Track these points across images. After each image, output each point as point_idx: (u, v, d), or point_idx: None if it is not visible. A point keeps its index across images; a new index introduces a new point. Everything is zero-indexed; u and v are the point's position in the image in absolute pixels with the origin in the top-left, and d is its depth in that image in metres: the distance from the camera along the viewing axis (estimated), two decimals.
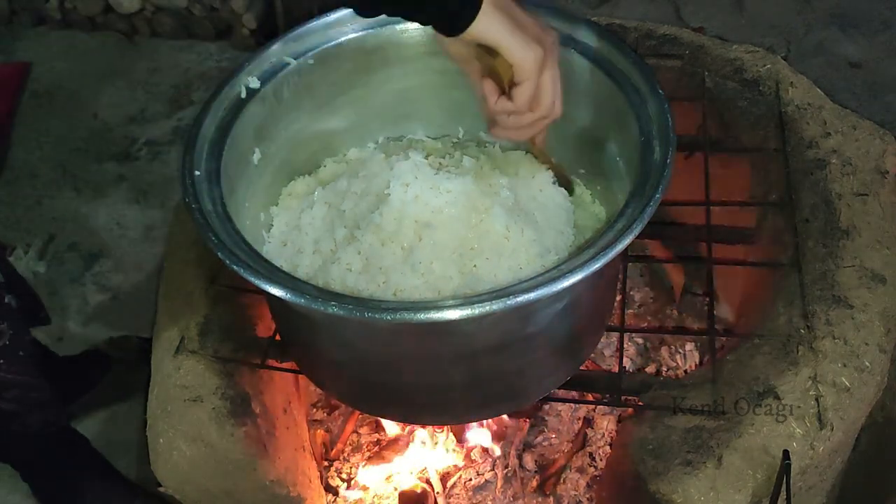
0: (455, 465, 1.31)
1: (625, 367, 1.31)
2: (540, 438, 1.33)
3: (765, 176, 1.16)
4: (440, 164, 0.94)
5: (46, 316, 1.43)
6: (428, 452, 1.33)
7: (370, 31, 0.96)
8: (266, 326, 1.14)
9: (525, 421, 1.33)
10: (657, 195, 0.73)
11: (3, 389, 1.20)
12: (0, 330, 1.19)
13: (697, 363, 1.37)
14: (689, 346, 1.39)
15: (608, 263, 0.69)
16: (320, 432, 1.38)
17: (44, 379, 1.27)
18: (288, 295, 0.68)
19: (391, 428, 1.35)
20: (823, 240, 1.04)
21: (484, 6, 0.70)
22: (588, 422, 1.33)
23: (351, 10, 0.94)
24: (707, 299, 1.05)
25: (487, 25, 0.71)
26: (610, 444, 1.30)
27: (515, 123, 0.79)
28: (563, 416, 1.35)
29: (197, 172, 0.80)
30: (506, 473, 1.29)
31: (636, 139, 0.80)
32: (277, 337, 1.06)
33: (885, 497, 1.17)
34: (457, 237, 0.83)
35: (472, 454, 1.32)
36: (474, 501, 1.28)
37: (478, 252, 0.82)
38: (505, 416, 1.31)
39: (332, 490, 1.32)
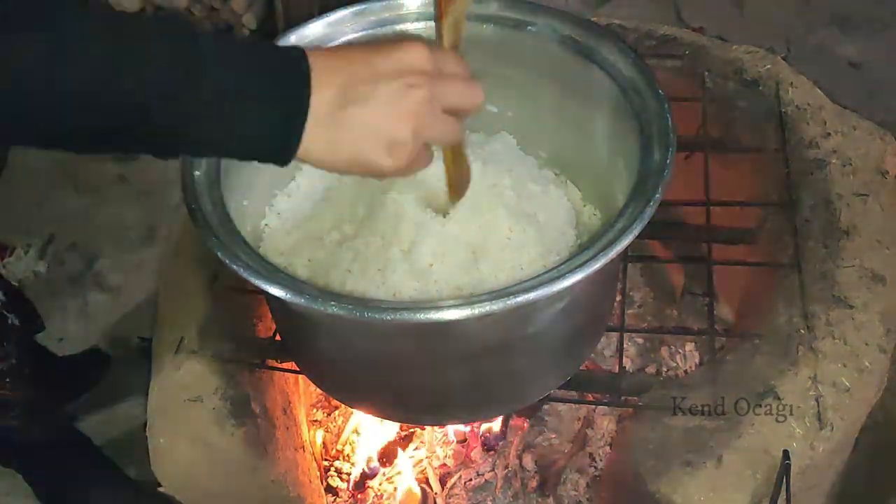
0: (455, 465, 1.31)
1: (625, 367, 1.30)
2: (540, 438, 1.33)
3: (765, 176, 1.16)
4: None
5: (41, 323, 1.43)
6: (428, 453, 1.33)
7: (370, 31, 0.96)
8: (266, 326, 1.14)
9: (525, 421, 1.33)
10: (657, 195, 0.73)
11: (8, 409, 1.21)
12: (6, 351, 1.19)
13: (697, 363, 1.37)
14: (689, 346, 1.39)
15: (608, 263, 0.69)
16: (320, 432, 1.38)
17: (45, 391, 1.27)
18: (288, 295, 0.68)
19: (391, 428, 1.35)
20: (823, 240, 1.04)
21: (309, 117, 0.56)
22: (588, 422, 1.33)
23: (351, 10, 0.94)
24: (707, 299, 1.04)
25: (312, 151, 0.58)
26: (610, 444, 1.30)
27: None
28: (563, 416, 1.34)
29: (197, 172, 0.79)
30: (506, 473, 1.29)
31: (636, 139, 0.80)
32: (277, 337, 1.06)
33: (885, 497, 1.17)
34: (458, 238, 0.83)
35: (472, 454, 1.32)
36: (474, 501, 1.28)
37: (480, 252, 0.82)
38: (505, 416, 1.31)
39: (332, 490, 1.32)
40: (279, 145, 0.58)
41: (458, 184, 0.81)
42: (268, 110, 0.56)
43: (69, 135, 0.54)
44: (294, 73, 0.57)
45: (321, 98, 0.57)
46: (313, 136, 0.57)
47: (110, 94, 0.51)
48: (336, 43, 0.95)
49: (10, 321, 1.23)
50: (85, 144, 0.56)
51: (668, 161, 0.76)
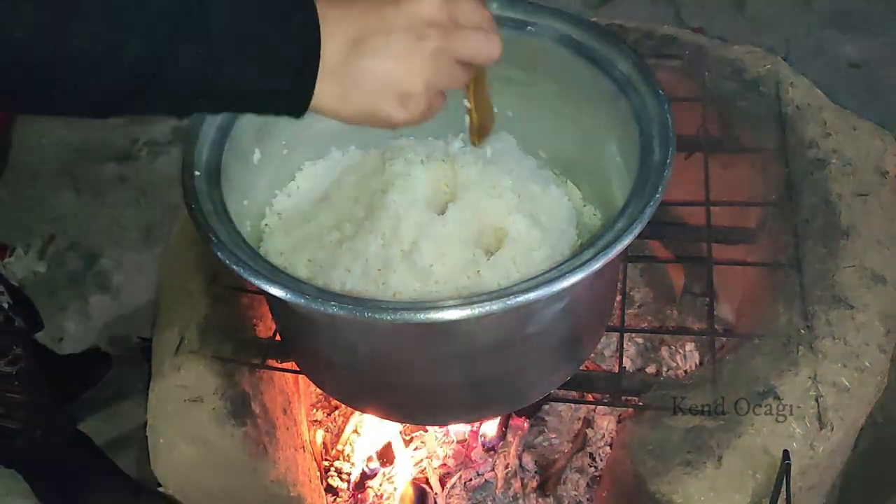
0: (455, 465, 1.31)
1: (625, 367, 1.31)
2: (540, 438, 1.33)
3: (765, 176, 1.16)
4: (441, 164, 0.94)
5: (41, 322, 1.44)
6: (427, 452, 1.33)
7: None
8: (266, 326, 1.14)
9: (525, 421, 1.33)
10: (657, 195, 0.73)
11: (14, 410, 1.21)
12: (16, 355, 1.19)
13: (697, 363, 1.37)
14: (689, 346, 1.39)
15: (608, 263, 0.69)
16: (320, 432, 1.38)
17: (49, 394, 1.27)
18: (288, 295, 0.68)
19: (391, 428, 1.35)
20: (823, 240, 1.04)
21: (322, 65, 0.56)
22: (588, 422, 1.33)
23: None
24: (707, 299, 1.05)
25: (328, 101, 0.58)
26: (610, 444, 1.30)
27: None
28: (563, 416, 1.34)
29: (197, 173, 0.79)
30: (506, 473, 1.29)
31: (636, 139, 0.80)
32: (277, 337, 1.06)
33: (885, 497, 1.17)
34: (458, 238, 0.83)
35: (472, 454, 1.32)
36: (474, 501, 1.28)
37: (480, 253, 0.82)
38: (505, 416, 1.31)
39: (332, 490, 1.32)
40: (292, 94, 0.57)
41: (479, 127, 0.76)
42: (280, 57, 0.55)
43: (81, 99, 0.52)
44: (304, 20, 0.55)
45: (332, 48, 0.56)
46: (325, 87, 0.57)
47: (117, 53, 0.50)
48: None
49: (17, 323, 1.23)
50: (100, 108, 0.54)
51: (668, 161, 0.76)
